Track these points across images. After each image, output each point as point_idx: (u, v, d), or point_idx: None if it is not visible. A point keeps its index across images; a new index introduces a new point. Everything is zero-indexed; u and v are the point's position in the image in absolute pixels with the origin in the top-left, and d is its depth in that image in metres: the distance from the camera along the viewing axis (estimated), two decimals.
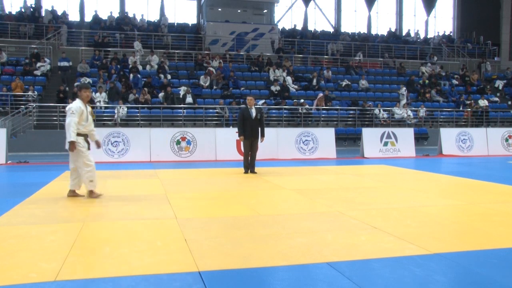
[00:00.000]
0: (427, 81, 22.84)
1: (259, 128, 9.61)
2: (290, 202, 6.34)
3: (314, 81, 21.06)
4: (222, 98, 18.55)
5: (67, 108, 6.57)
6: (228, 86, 19.69)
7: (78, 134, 6.47)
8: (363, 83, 21.84)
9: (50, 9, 24.24)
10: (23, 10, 23.79)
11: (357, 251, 3.94)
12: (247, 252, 3.87)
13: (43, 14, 24.32)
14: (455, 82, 23.79)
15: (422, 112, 19.60)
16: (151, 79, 18.71)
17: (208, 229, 4.72)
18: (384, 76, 23.90)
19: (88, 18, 26.23)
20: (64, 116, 7.15)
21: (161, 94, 17.67)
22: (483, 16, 30.55)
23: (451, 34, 31.76)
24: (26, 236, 4.41)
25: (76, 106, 6.50)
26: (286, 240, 4.25)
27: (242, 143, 9.92)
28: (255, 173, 9.64)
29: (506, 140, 15.68)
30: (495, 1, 29.85)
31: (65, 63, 19.73)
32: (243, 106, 10.25)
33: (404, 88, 20.98)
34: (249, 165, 9.70)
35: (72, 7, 26.84)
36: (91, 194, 6.55)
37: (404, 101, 20.18)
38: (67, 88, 17.48)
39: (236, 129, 10.14)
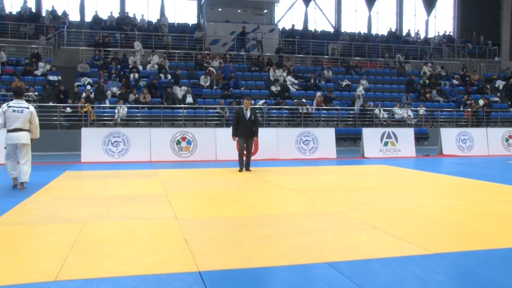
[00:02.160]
0: (427, 81, 22.84)
1: (253, 128, 10.10)
2: (290, 202, 6.34)
3: (312, 81, 21.05)
4: (222, 98, 18.55)
5: (33, 109, 7.43)
6: (228, 86, 19.69)
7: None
8: (363, 83, 21.83)
9: (50, 9, 24.22)
10: (22, 11, 23.72)
11: (357, 251, 3.94)
12: (247, 252, 3.87)
13: (43, 14, 24.33)
14: (455, 82, 23.79)
15: (422, 111, 19.57)
16: (156, 81, 18.72)
17: (208, 229, 4.72)
18: (384, 76, 23.90)
19: (88, 18, 26.26)
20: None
21: (175, 88, 18.02)
22: (483, 16, 30.54)
23: (451, 34, 31.76)
24: (26, 236, 4.41)
25: None
26: (286, 240, 4.25)
27: (237, 141, 10.25)
28: (250, 171, 9.95)
29: (507, 140, 15.67)
30: (495, 1, 29.84)
31: (54, 77, 18.48)
32: (240, 106, 10.96)
33: (361, 88, 20.32)
34: (245, 163, 10.07)
35: (72, 7, 26.89)
36: (23, 185, 7.34)
37: (360, 102, 19.57)
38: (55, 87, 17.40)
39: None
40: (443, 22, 33.50)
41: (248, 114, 9.97)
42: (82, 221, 5.01)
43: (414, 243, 4.15)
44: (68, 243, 4.12)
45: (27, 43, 21.06)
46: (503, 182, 8.31)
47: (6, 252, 3.87)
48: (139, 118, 16.64)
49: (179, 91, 18.06)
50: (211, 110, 17.65)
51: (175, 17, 28.17)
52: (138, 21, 25.50)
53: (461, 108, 20.82)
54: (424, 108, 19.74)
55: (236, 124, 10.01)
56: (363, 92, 19.95)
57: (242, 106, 10.38)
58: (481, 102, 21.24)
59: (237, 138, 10.06)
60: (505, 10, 29.42)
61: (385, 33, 30.35)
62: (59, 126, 15.53)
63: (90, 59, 20.53)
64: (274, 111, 18.34)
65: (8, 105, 7.35)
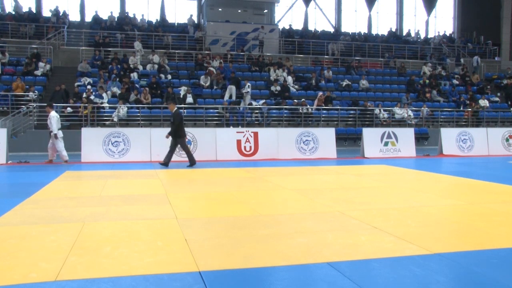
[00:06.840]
0: (427, 81, 22.83)
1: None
2: (290, 202, 6.34)
3: (313, 81, 21.05)
4: (222, 98, 18.54)
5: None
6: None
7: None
8: (364, 83, 21.84)
9: (51, 9, 24.21)
10: (13, 12, 23.59)
11: (357, 251, 3.94)
12: (248, 252, 3.87)
13: (43, 14, 24.33)
14: (455, 82, 23.77)
15: (426, 112, 19.55)
16: (155, 79, 18.72)
17: (208, 229, 4.72)
18: (384, 76, 23.89)
19: (88, 18, 26.25)
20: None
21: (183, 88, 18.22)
22: (484, 16, 30.54)
23: (451, 34, 31.74)
24: (26, 236, 4.41)
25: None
26: (286, 240, 4.25)
27: (185, 141, 11.60)
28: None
29: (507, 140, 15.66)
30: (496, 1, 29.84)
31: (100, 100, 16.79)
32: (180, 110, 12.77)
33: (248, 84, 18.72)
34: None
35: (73, 7, 26.87)
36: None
37: (248, 101, 18.45)
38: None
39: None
40: (443, 22, 33.52)
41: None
42: (82, 221, 5.01)
43: (414, 243, 4.14)
44: (68, 243, 4.12)
45: (28, 43, 21.07)
46: (503, 182, 8.31)
47: (6, 252, 3.87)
48: (139, 118, 16.64)
49: (235, 91, 18.82)
50: (211, 110, 17.65)
51: (175, 17, 28.18)
52: (138, 21, 25.50)
53: (461, 108, 20.81)
54: (427, 109, 19.70)
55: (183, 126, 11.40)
56: (249, 90, 18.63)
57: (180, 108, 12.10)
58: (482, 102, 21.21)
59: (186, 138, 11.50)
60: (505, 10, 29.43)
61: (385, 33, 30.34)
62: None
63: (91, 59, 20.53)
64: (274, 111, 18.33)
65: (58, 115, 11.90)
